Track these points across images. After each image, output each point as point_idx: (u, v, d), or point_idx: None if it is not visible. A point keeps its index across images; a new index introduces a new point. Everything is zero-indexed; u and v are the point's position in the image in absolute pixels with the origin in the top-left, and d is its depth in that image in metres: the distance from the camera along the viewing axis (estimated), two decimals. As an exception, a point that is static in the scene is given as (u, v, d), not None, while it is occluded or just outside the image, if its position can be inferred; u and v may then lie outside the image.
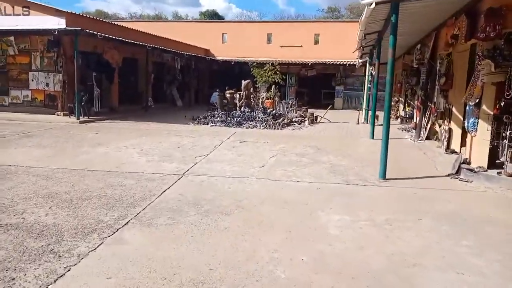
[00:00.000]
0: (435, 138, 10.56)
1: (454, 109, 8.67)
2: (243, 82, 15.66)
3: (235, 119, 13.96)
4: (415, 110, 13.66)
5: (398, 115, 18.03)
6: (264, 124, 13.32)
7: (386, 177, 6.66)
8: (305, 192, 5.86)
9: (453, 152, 8.52)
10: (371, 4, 6.15)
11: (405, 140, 11.19)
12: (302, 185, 6.23)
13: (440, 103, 10.00)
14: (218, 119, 14.14)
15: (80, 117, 13.42)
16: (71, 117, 13.70)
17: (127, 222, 4.48)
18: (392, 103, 23.15)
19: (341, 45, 24.76)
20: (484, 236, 4.40)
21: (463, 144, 8.45)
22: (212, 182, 6.26)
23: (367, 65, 15.44)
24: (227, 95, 15.83)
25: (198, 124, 13.61)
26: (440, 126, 10.28)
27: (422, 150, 9.50)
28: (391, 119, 14.99)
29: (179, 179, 6.37)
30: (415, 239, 4.27)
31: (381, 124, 14.98)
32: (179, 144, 9.54)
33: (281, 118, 14.26)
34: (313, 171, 7.12)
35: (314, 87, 26.25)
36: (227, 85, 21.82)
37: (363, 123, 15.62)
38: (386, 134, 6.65)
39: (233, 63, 24.88)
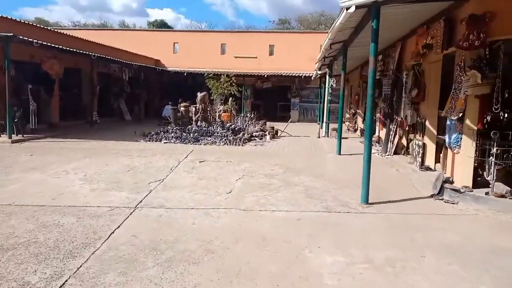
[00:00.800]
0: (403, 153, 10.18)
1: (427, 123, 8.26)
2: (199, 95, 14.66)
3: (191, 134, 12.91)
4: (377, 123, 13.36)
5: (356, 127, 17.83)
6: (223, 139, 12.38)
7: (369, 201, 5.97)
8: (284, 225, 4.99)
9: (428, 168, 8.08)
10: (350, 7, 5.49)
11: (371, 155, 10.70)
12: (280, 215, 5.37)
13: (408, 116, 9.63)
14: (173, 134, 13.01)
15: (13, 135, 11.75)
16: (1, 135, 11.97)
17: (63, 284, 3.37)
18: (348, 116, 23.19)
19: (296, 57, 24.56)
20: (500, 274, 3.77)
21: (437, 160, 8.04)
22: (172, 216, 5.23)
23: (327, 76, 15.04)
24: (182, 109, 14.75)
25: (150, 141, 12.40)
26: (411, 140, 9.90)
27: (394, 167, 9.02)
28: (348, 132, 14.67)
29: (131, 213, 5.27)
30: (425, 285, 3.54)
31: (344, 138, 14.62)
32: (129, 166, 8.36)
33: (241, 133, 13.40)
34: (288, 196, 6.29)
35: (269, 100, 25.73)
36: (180, 97, 20.73)
37: (324, 136, 15.15)
38: (368, 153, 5.97)
39: (185, 74, 23.76)
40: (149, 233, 4.58)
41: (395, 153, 10.40)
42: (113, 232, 4.58)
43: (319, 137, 14.95)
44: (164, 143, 12.09)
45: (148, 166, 8.40)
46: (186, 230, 4.73)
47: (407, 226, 5.09)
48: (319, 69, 15.89)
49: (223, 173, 7.90)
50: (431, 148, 8.16)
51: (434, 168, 8.06)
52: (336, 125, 17.06)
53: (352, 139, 14.91)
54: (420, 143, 8.40)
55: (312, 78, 22.50)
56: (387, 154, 10.52)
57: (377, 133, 13.36)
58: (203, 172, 7.98)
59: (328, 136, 15.05)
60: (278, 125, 17.14)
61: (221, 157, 9.81)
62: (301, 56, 24.43)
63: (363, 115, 17.62)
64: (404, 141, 10.40)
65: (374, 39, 5.74)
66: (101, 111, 19.72)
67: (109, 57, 17.33)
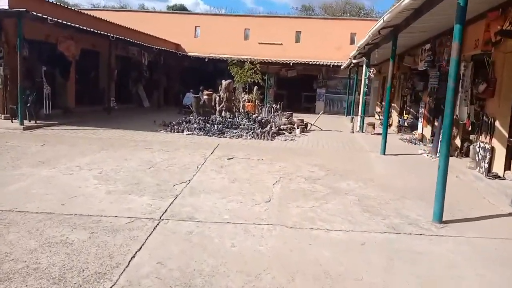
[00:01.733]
0: (456, 155, 8.97)
1: (497, 123, 7.05)
2: (223, 83, 13.61)
3: (215, 126, 11.89)
4: (420, 120, 12.12)
5: (390, 123, 16.55)
6: (250, 133, 11.34)
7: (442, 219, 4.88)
8: (347, 253, 3.94)
9: (496, 176, 6.90)
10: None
11: (419, 156, 9.54)
12: (337, 237, 4.31)
13: (464, 113, 8.41)
14: (195, 125, 12.03)
15: (25, 121, 10.93)
16: (13, 121, 11.17)
17: None
18: (379, 109, 21.87)
19: (323, 44, 23.24)
20: None
21: (508, 166, 6.85)
22: (205, 233, 4.23)
23: (364, 66, 13.79)
24: (204, 97, 13.73)
25: (171, 131, 11.44)
26: (465, 141, 8.69)
27: (452, 172, 7.81)
28: (371, 125, 13.42)
29: (154, 228, 4.29)
30: None
31: (379, 134, 13.41)
32: (150, 162, 7.40)
33: (269, 126, 12.33)
34: (340, 209, 5.23)
35: (294, 89, 24.48)
36: (200, 84, 19.73)
37: (358, 132, 13.96)
38: (444, 161, 4.83)
39: (206, 59, 22.71)
40: (179, 259, 3.59)
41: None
42: (134, 256, 3.61)
43: (353, 132, 13.77)
44: (187, 134, 11.11)
45: (171, 163, 7.43)
46: (224, 255, 3.73)
47: (503, 258, 3.99)
48: (354, 57, 14.63)
49: (256, 174, 6.87)
50: (500, 152, 6.97)
51: (503, 176, 6.88)
52: (370, 120, 15.89)
53: (389, 135, 13.67)
54: (487, 146, 7.20)
55: (342, 67, 21.24)
56: (437, 155, 9.31)
57: (419, 130, 12.12)
58: (234, 172, 6.96)
59: (363, 132, 13.86)
60: (303, 117, 16.05)
61: (251, 153, 8.77)
62: (329, 44, 23.12)
63: (398, 109, 16.35)
64: (457, 141, 9.19)
65: (460, 19, 4.58)
66: (119, 97, 18.91)
67: (128, 39, 16.37)
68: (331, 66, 22.18)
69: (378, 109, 21.66)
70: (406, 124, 13.94)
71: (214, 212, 4.89)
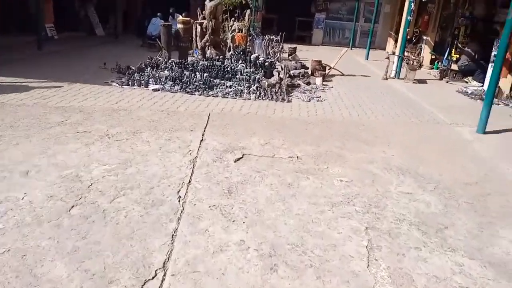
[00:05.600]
0: None
1: None
2: (208, 4, 9.15)
3: (198, 74, 7.79)
4: (490, 64, 8.40)
5: (421, 61, 12.74)
6: (253, 86, 7.36)
7: None
8: None
9: None
10: None
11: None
12: None
13: None
14: (167, 73, 7.89)
15: None
16: None
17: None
18: (393, 42, 17.84)
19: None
20: None
21: None
22: None
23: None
24: (179, 26, 9.33)
25: (129, 85, 7.28)
26: None
27: None
28: (414, 70, 9.61)
29: None
30: None
31: (421, 81, 9.64)
32: (77, 180, 3.49)
33: (277, 73, 8.35)
34: None
35: (286, 13, 19.79)
36: (171, 7, 14.96)
37: (394, 78, 10.17)
38: None
39: (177, -27, 17.47)
40: None
41: None
42: None
43: (387, 79, 9.99)
44: (153, 90, 7.03)
45: (122, 180, 3.55)
46: None
47: None
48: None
49: (313, 224, 3.12)
50: None
51: None
52: (379, 53, 11.45)
53: (432, 83, 10.00)
54: None
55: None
56: None
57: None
58: (260, 213, 3.18)
59: (401, 78, 10.08)
60: (296, 47, 12.12)
61: (271, 139, 4.95)
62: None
63: (432, 44, 12.50)
64: None
65: None
66: (61, 22, 14.06)
67: None
68: (336, -17, 17.56)
69: (391, 44, 17.65)
70: (462, 67, 10.22)
71: None
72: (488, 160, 4.76)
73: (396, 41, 17.23)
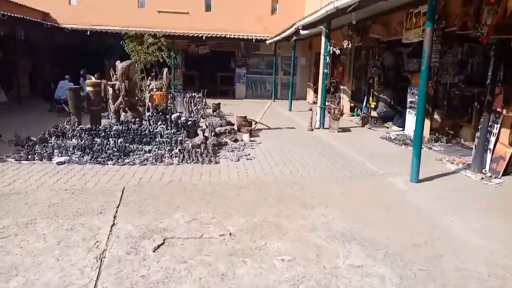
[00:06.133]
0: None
1: None
2: (119, 66, 8.52)
3: (112, 140, 6.98)
4: (412, 112, 8.72)
5: (341, 109, 13.10)
6: (175, 149, 6.71)
7: None
8: None
9: None
10: None
11: (466, 178, 5.93)
12: None
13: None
14: (75, 141, 6.98)
15: None
16: None
17: None
18: (312, 93, 18.48)
19: (240, 15, 18.93)
20: None
21: None
22: None
23: (323, 38, 9.89)
24: (88, 89, 8.54)
25: (29, 159, 6.22)
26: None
27: None
28: (337, 120, 9.74)
29: None
30: None
31: (345, 130, 9.74)
32: None
33: (201, 132, 7.84)
34: None
35: (207, 69, 19.82)
36: (82, 68, 14.13)
37: (318, 128, 10.17)
38: None
39: (88, 33, 16.81)
40: None
41: (506, 173, 5.83)
42: None
43: (312, 130, 9.95)
44: (58, 164, 6.06)
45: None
46: None
47: None
48: (303, 28, 10.68)
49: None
50: None
51: None
52: (299, 104, 11.60)
53: (356, 130, 10.17)
54: None
55: (268, 42, 17.27)
56: (489, 174, 5.90)
57: (413, 126, 8.69)
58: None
59: (326, 128, 10.10)
60: (220, 103, 12.01)
61: (197, 211, 4.29)
62: (247, 15, 18.88)
63: (350, 93, 13.01)
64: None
65: None
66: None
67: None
68: (253, 40, 18.03)
69: (311, 94, 18.29)
70: (375, 113, 10.58)
71: None
72: (429, 213, 4.53)
73: (315, 91, 17.95)
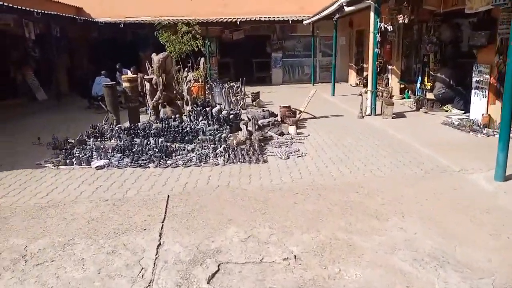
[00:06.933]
0: None
1: None
2: (155, 58, 8.04)
3: (152, 140, 6.54)
4: (476, 92, 7.73)
5: (390, 91, 12.13)
6: (220, 147, 6.18)
7: None
8: None
9: None
10: None
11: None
12: None
13: None
14: (114, 144, 6.60)
15: None
16: None
17: None
18: (354, 73, 17.45)
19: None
20: None
21: None
22: None
23: (372, 14, 8.98)
24: (125, 85, 8.16)
25: (65, 164, 5.90)
26: None
27: None
28: (391, 105, 8.59)
29: None
30: None
31: (400, 116, 8.69)
32: None
33: (244, 127, 7.26)
34: None
35: (241, 56, 19.12)
36: (117, 62, 13.88)
37: (370, 114, 9.33)
38: None
39: (122, 25, 16.56)
40: None
41: None
42: None
43: (362, 117, 9.14)
44: (97, 168, 5.69)
45: None
46: None
47: None
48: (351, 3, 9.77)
49: None
50: None
51: None
52: (341, 86, 10.93)
53: (411, 115, 9.24)
54: None
55: (305, 22, 16.34)
56: None
57: (481, 109, 7.73)
58: None
59: (378, 114, 9.26)
60: (259, 91, 11.39)
61: (253, 226, 3.74)
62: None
63: (399, 73, 11.99)
64: None
65: None
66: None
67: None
68: (289, 21, 17.13)
69: (353, 76, 17.25)
70: (432, 96, 9.58)
71: None
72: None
73: (357, 72, 16.91)
